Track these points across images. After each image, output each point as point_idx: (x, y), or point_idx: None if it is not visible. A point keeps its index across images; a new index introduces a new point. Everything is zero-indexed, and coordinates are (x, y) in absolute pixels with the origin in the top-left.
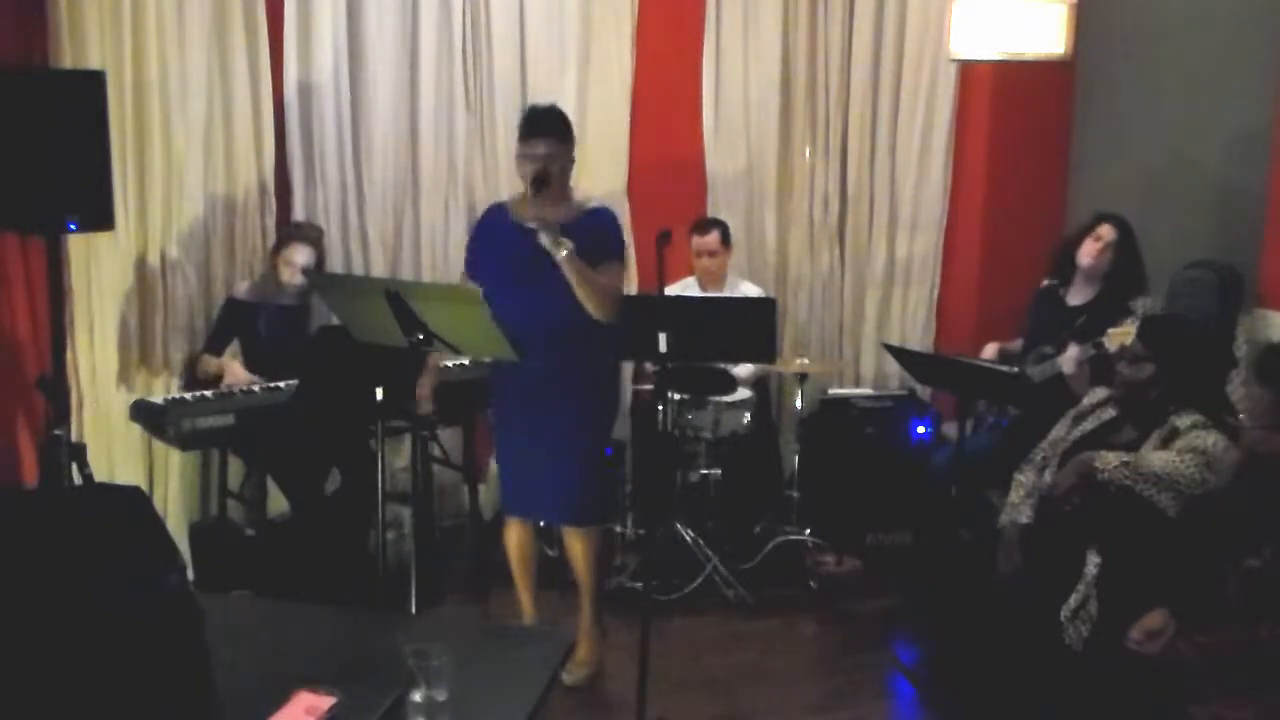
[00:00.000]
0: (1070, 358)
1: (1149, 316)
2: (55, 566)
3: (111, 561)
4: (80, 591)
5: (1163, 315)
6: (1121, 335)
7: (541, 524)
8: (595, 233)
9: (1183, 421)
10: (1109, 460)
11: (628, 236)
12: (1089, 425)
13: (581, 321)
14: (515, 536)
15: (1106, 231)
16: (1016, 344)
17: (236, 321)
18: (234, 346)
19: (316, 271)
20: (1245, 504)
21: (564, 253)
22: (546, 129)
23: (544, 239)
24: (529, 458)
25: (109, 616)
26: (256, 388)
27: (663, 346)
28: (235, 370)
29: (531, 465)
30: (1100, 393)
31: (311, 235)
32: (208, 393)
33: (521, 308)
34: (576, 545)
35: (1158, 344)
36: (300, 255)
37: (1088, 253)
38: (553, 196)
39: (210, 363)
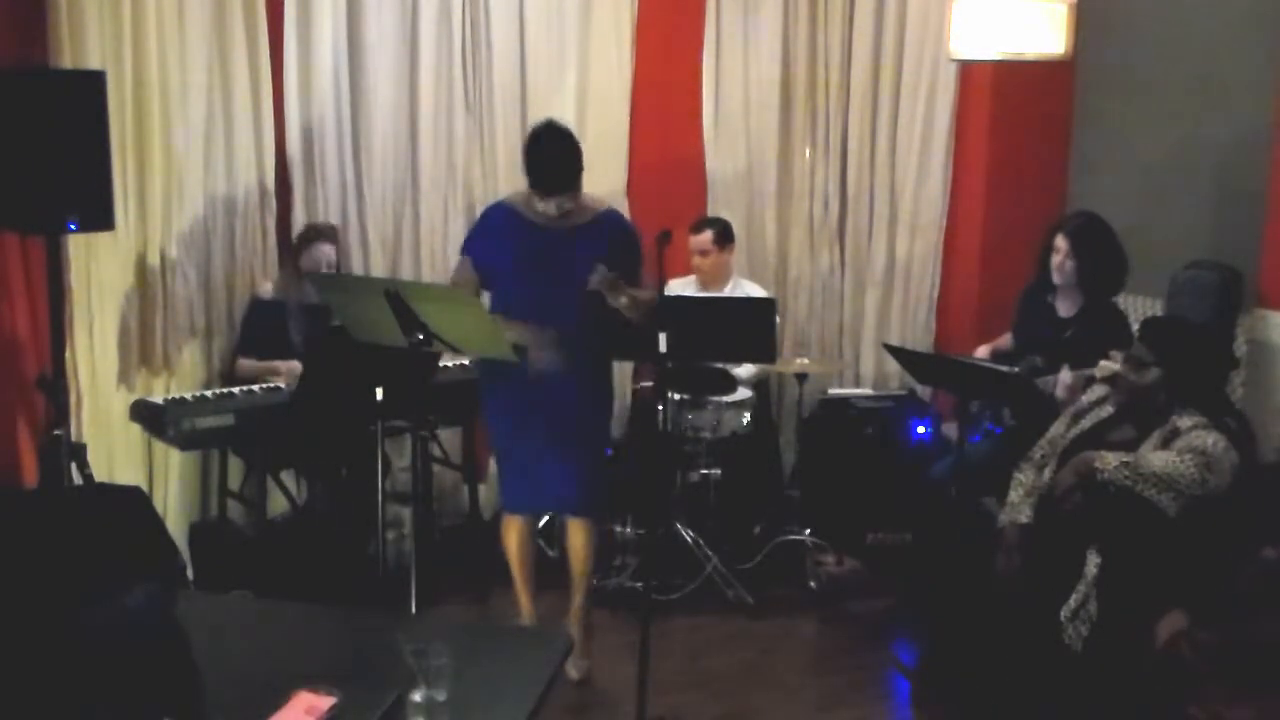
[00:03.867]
0: (1064, 384)
1: (1150, 318)
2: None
3: (69, 579)
4: (43, 607)
5: (1164, 317)
6: (1110, 369)
7: (541, 523)
8: (621, 240)
9: (1184, 422)
10: (1109, 460)
11: None
12: (1087, 423)
13: (589, 319)
14: (516, 534)
15: (1060, 243)
16: (1006, 339)
17: (267, 320)
18: None
19: (317, 272)
20: (1245, 504)
21: (625, 301)
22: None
23: (609, 299)
24: (537, 451)
25: (69, 634)
26: (257, 388)
27: (663, 346)
28: (278, 366)
29: (540, 459)
30: (1099, 390)
31: (331, 235)
32: (207, 393)
33: (538, 305)
34: (579, 537)
35: (1159, 346)
36: (329, 254)
37: (1054, 268)
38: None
39: (247, 365)
